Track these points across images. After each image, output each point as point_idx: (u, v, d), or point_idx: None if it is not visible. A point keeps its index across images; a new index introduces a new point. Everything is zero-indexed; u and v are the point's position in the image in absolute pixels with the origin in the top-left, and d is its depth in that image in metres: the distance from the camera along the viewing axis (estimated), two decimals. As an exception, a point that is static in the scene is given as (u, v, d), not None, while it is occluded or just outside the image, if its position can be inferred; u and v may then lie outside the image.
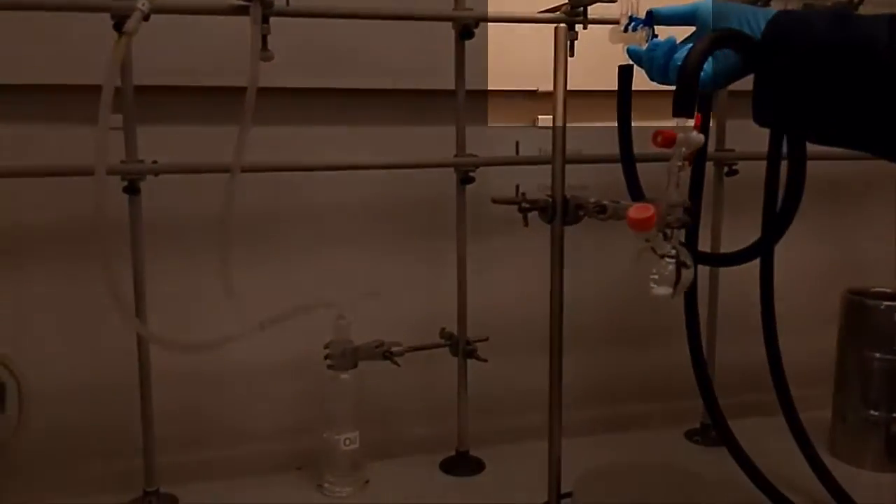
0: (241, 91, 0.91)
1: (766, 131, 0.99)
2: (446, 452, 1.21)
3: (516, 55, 1.24)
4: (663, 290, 0.75)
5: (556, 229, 0.82)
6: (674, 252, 0.74)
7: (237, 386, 1.22)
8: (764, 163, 1.04)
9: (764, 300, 1.10)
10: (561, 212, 0.81)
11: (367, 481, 1.14)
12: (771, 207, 1.03)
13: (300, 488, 1.13)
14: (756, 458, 1.09)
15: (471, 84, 1.12)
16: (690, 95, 0.71)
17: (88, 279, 1.10)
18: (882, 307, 1.15)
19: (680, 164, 0.72)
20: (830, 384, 1.26)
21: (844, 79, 0.68)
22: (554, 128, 0.81)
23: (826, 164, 1.07)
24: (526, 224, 0.82)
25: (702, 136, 0.72)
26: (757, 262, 1.07)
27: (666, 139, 0.70)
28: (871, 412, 1.18)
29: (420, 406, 1.30)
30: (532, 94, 1.30)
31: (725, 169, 1.21)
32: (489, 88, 1.24)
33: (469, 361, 1.16)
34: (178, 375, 1.15)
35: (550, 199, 0.81)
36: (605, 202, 0.78)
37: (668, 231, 0.74)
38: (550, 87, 1.25)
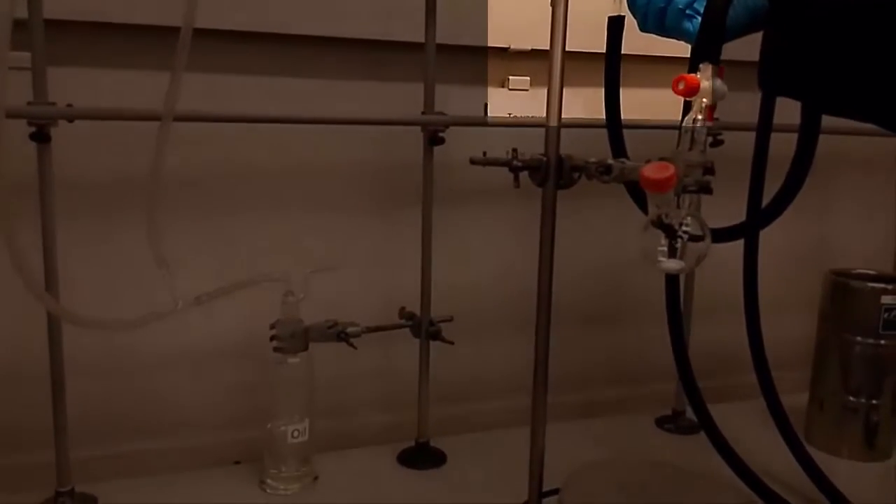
0: (173, 31, 0.76)
1: (755, 102, 0.91)
2: (405, 443, 1.10)
3: (484, 7, 1.12)
4: (674, 265, 0.66)
5: (549, 193, 0.71)
6: (688, 220, 0.64)
7: (168, 371, 1.07)
8: (751, 134, 0.96)
9: (747, 282, 1.02)
10: (555, 173, 0.70)
11: (315, 477, 1.01)
12: (758, 182, 0.95)
13: (239, 485, 1.00)
14: (734, 445, 1.02)
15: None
16: (718, 36, 0.62)
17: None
18: (868, 289, 1.09)
19: (700, 118, 0.63)
20: (803, 367, 1.21)
21: (877, 42, 0.58)
22: (550, 83, 0.70)
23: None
24: (517, 185, 0.71)
25: (725, 87, 0.63)
26: (733, 245, 0.99)
27: (689, 86, 0.60)
28: (850, 398, 1.13)
29: (376, 393, 1.18)
30: (503, 53, 1.19)
31: (710, 139, 1.12)
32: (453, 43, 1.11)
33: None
34: (98, 358, 1.00)
35: (544, 159, 0.70)
36: (609, 161, 0.67)
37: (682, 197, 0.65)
38: (523, 46, 1.18)
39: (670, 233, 0.64)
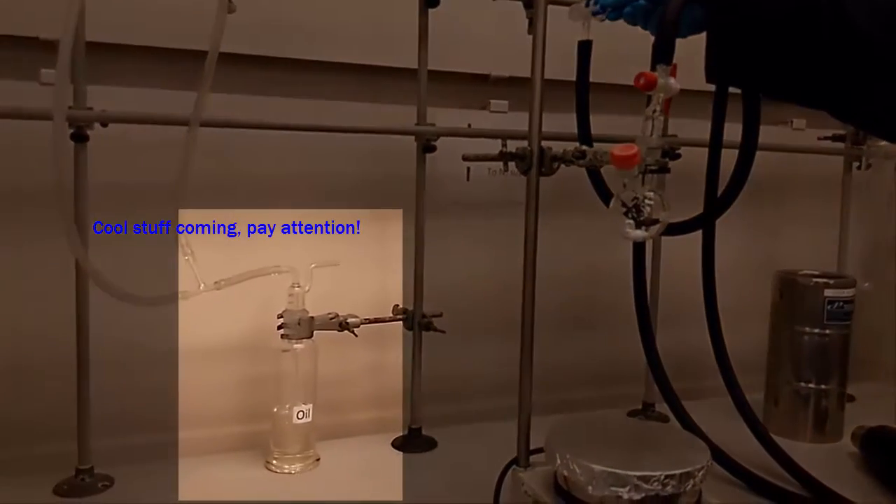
0: (198, 55, 0.88)
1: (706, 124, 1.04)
2: (398, 433, 1.19)
3: (468, 38, 1.26)
4: (640, 234, 0.77)
5: (533, 180, 0.83)
6: (650, 195, 0.76)
7: (183, 366, 1.15)
8: (705, 150, 1.07)
9: (706, 279, 1.10)
10: (538, 161, 0.82)
11: (317, 459, 1.09)
12: (713, 178, 1.05)
13: (247, 467, 1.08)
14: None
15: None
16: (671, 43, 0.75)
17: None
18: (812, 283, 1.22)
19: (658, 108, 0.75)
20: (756, 373, 1.30)
21: (788, 47, 0.73)
22: (533, 76, 0.83)
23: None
24: (506, 170, 0.83)
25: (678, 85, 0.76)
26: (693, 257, 1.08)
27: (648, 81, 0.73)
28: (802, 385, 1.24)
29: (370, 391, 1.28)
30: (484, 79, 1.32)
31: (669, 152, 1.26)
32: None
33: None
34: (115, 355, 1.09)
35: (528, 148, 0.82)
36: (584, 148, 0.80)
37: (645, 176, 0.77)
38: (502, 73, 1.31)
39: (635, 205, 0.76)
